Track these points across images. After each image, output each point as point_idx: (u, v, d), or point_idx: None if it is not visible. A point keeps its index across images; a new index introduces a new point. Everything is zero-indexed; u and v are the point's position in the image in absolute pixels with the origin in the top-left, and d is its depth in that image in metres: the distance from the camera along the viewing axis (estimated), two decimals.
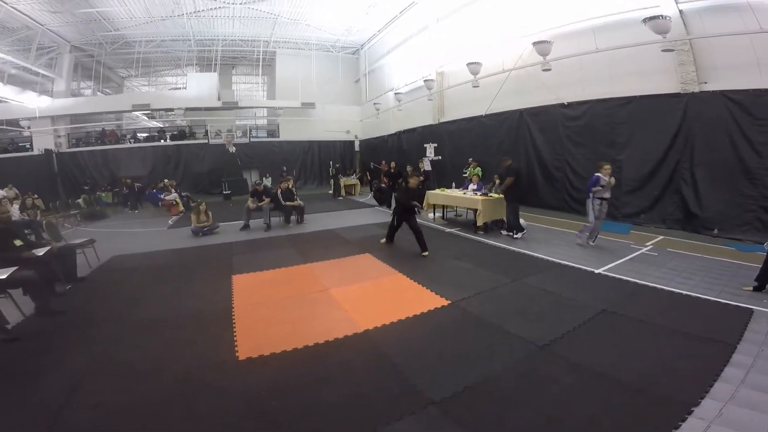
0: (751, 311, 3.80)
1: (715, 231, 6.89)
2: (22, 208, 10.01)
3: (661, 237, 7.04)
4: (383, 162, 13.88)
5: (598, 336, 3.51)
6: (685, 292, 4.37)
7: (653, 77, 7.89)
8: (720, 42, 6.79)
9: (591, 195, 6.28)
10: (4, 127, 15.76)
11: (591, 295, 4.45)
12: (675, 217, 7.61)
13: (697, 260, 5.61)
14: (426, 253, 6.36)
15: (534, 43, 8.80)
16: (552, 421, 2.43)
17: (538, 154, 10.43)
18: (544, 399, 2.65)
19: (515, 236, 7.32)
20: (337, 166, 17.85)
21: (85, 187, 16.31)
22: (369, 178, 13.77)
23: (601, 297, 4.35)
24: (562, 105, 9.62)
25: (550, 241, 7.08)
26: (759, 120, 6.41)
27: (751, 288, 4.32)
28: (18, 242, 5.05)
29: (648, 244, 6.59)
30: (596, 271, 5.26)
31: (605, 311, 3.98)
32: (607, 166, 6.25)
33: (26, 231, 6.59)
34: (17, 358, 3.48)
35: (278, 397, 2.75)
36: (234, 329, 3.90)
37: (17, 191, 13.14)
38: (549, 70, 8.84)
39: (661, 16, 6.82)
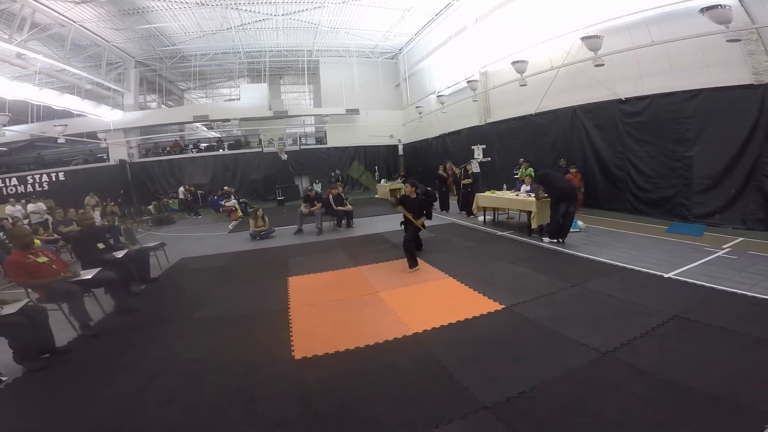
0: None
1: None
2: (102, 215, 11.08)
3: (741, 239, 6.37)
4: (440, 167, 13.00)
5: (669, 343, 3.24)
6: None
7: (720, 68, 7.20)
8: None
9: None
10: (84, 139, 17.49)
11: (660, 300, 4.12)
12: (756, 216, 6.86)
13: None
14: (411, 269, 5.87)
15: (583, 38, 8.40)
16: (614, 429, 2.30)
17: (595, 153, 9.88)
18: (606, 406, 2.50)
19: (544, 240, 7.08)
20: (373, 172, 17.92)
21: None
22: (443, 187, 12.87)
23: (672, 303, 4.02)
24: (619, 101, 9.05)
25: (613, 243, 6.65)
26: None
27: None
28: (101, 245, 5.58)
29: (725, 246, 5.99)
30: (666, 276, 4.86)
31: (677, 317, 3.67)
32: None
33: (107, 235, 7.28)
34: (97, 354, 3.80)
35: (331, 398, 2.80)
36: (290, 329, 4.05)
37: (98, 199, 14.61)
38: (602, 65, 8.40)
39: (720, 5, 6.27)
